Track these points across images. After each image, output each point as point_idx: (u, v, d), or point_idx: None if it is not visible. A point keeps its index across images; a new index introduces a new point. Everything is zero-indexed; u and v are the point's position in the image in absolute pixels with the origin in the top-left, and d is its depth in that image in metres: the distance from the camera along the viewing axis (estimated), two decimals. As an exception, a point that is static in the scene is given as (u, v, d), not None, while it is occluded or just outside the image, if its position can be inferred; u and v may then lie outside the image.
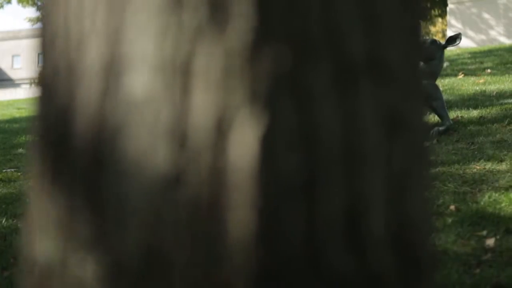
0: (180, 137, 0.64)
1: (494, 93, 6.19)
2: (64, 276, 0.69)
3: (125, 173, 0.65)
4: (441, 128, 4.68)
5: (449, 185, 3.31)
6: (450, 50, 12.70)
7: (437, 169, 3.61)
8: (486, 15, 14.97)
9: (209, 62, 0.63)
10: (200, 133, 0.64)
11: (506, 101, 5.77)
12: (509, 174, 3.41)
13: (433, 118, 5.17)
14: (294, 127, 0.63)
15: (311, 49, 0.63)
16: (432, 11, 22.09)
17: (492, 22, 14.94)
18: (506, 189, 3.14)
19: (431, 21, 23.73)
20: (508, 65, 8.49)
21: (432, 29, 28.91)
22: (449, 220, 2.76)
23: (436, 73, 5.03)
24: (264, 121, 0.62)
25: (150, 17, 0.65)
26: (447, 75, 8.21)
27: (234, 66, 0.63)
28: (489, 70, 8.07)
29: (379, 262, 0.64)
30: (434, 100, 4.88)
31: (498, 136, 4.41)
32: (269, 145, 0.62)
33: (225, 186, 0.63)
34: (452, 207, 2.91)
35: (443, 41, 5.09)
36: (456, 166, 3.70)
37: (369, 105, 0.65)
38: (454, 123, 4.95)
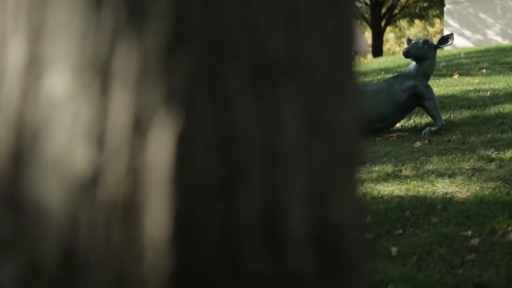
0: (98, 137, 0.64)
1: (488, 93, 6.19)
2: None
3: (44, 173, 0.66)
4: (433, 128, 4.68)
5: (437, 185, 3.32)
6: (446, 50, 12.70)
7: (425, 169, 3.62)
8: (483, 15, 14.97)
9: (127, 62, 0.63)
10: (118, 133, 0.64)
11: (499, 101, 5.77)
12: (497, 174, 3.41)
13: (426, 118, 5.17)
14: (212, 127, 0.63)
15: (230, 49, 0.63)
16: (430, 12, 22.09)
17: (489, 22, 14.95)
18: (493, 189, 3.14)
19: (429, 21, 23.72)
20: (504, 65, 8.49)
21: (431, 29, 28.90)
22: (435, 220, 2.76)
23: (428, 73, 5.03)
24: (180, 121, 0.62)
25: (71, 17, 0.65)
26: (442, 75, 8.21)
27: (152, 66, 0.63)
28: (484, 70, 8.07)
29: (298, 262, 0.64)
30: (426, 100, 4.88)
31: (489, 136, 4.41)
32: (185, 145, 0.62)
33: (142, 186, 0.63)
34: (439, 207, 2.91)
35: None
36: (446, 165, 3.70)
37: (290, 105, 0.65)
38: (446, 123, 4.95)
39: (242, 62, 0.63)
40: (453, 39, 5.12)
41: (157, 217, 0.62)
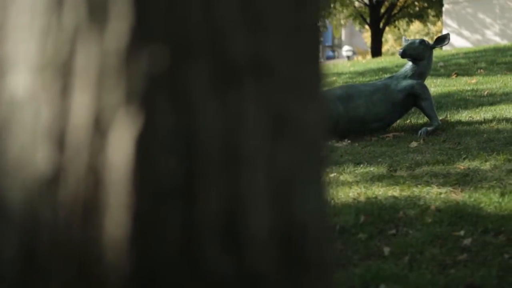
0: (59, 137, 0.64)
1: (485, 93, 6.19)
2: None
3: (6, 173, 0.66)
4: (429, 128, 4.68)
5: (432, 185, 3.32)
6: (445, 50, 12.69)
7: (420, 169, 3.62)
8: (481, 15, 14.97)
9: (88, 62, 0.64)
10: (78, 132, 0.64)
11: (495, 101, 5.77)
12: (491, 174, 3.41)
13: (423, 118, 5.17)
14: (172, 128, 0.63)
15: (191, 49, 0.63)
16: (429, 12, 22.08)
17: (488, 22, 14.94)
18: (488, 189, 3.14)
19: (428, 21, 23.72)
20: (501, 65, 8.49)
21: (433, 28, 28.89)
22: (429, 220, 2.76)
23: (425, 73, 5.03)
24: (140, 121, 0.62)
25: (32, 17, 0.65)
26: (440, 75, 8.21)
27: (112, 66, 0.63)
28: (481, 70, 8.07)
29: (261, 262, 0.64)
30: (422, 100, 4.88)
31: (485, 136, 4.41)
32: (145, 145, 0.62)
33: (102, 186, 0.63)
34: (433, 207, 2.91)
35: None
36: (441, 166, 3.70)
37: (252, 105, 0.65)
38: (442, 123, 4.95)
39: (204, 62, 0.63)
40: (449, 39, 5.12)
41: (116, 217, 0.62)
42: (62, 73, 0.64)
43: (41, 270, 0.64)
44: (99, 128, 0.63)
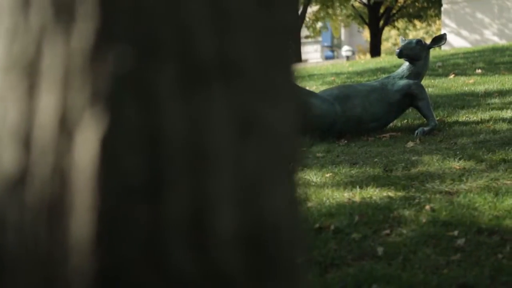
0: (25, 138, 0.64)
1: (482, 93, 6.19)
2: None
3: None
4: (426, 128, 4.68)
5: (427, 185, 3.32)
6: (444, 50, 12.69)
7: (416, 169, 3.62)
8: (480, 15, 14.97)
9: (54, 62, 0.64)
10: (45, 133, 0.64)
11: (492, 101, 5.77)
12: (486, 174, 3.42)
13: (420, 118, 5.18)
14: (138, 128, 0.63)
15: (158, 50, 0.63)
16: (428, 12, 22.09)
17: (486, 22, 14.95)
18: (482, 189, 3.14)
19: (427, 21, 23.73)
20: (499, 65, 8.49)
21: (435, 28, 28.89)
22: (423, 220, 2.77)
23: (421, 73, 5.03)
24: (105, 121, 0.62)
25: (0, 18, 0.66)
26: (438, 75, 8.21)
27: (78, 67, 0.63)
28: (479, 70, 8.07)
29: (227, 262, 0.64)
30: (419, 100, 4.89)
31: (481, 136, 4.42)
32: (111, 146, 0.62)
33: (68, 187, 0.63)
34: (428, 207, 2.91)
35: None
36: (436, 166, 3.70)
37: (220, 106, 0.65)
38: (439, 123, 4.95)
39: (171, 62, 0.63)
40: (445, 39, 5.12)
41: (82, 217, 0.62)
42: (29, 73, 0.64)
43: (6, 270, 0.64)
44: (65, 129, 0.63)
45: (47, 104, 0.64)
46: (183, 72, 0.64)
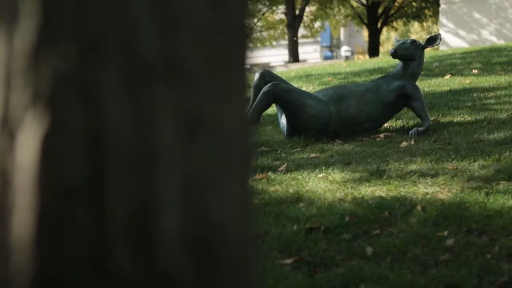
0: None
1: (478, 93, 6.20)
2: None
3: None
4: (420, 129, 4.68)
5: (419, 185, 3.32)
6: (441, 50, 12.69)
7: (409, 169, 3.62)
8: (477, 15, 14.98)
9: None
10: None
11: (487, 101, 5.77)
12: (479, 174, 3.42)
13: (414, 119, 5.18)
14: (81, 128, 0.63)
15: (101, 49, 0.63)
16: (426, 12, 22.09)
17: (484, 22, 14.95)
18: (474, 189, 3.14)
19: (426, 21, 23.73)
20: (495, 66, 8.50)
21: (435, 28, 28.90)
22: (414, 220, 2.77)
23: (416, 73, 5.03)
24: (48, 121, 0.62)
25: None
26: (434, 75, 8.21)
27: (20, 66, 0.63)
28: (475, 71, 8.08)
29: (172, 262, 0.64)
30: (414, 100, 4.89)
31: (475, 136, 4.42)
32: (53, 145, 0.62)
33: (10, 187, 0.63)
34: (419, 207, 2.91)
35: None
36: (429, 166, 3.70)
37: (166, 106, 0.65)
38: (434, 123, 4.96)
39: (114, 62, 0.64)
40: (440, 39, 5.12)
41: (23, 218, 0.62)
42: None
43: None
44: (7, 129, 0.64)
45: None
46: (127, 72, 0.64)
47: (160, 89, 0.65)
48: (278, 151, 4.48)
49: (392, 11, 21.93)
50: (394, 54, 4.93)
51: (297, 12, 20.78)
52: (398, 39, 5.17)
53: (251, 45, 0.70)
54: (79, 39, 0.63)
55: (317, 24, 23.26)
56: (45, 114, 0.62)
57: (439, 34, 5.15)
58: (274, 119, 5.56)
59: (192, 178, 0.66)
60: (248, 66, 0.71)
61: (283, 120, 4.91)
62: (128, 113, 0.64)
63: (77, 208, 0.63)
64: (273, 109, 5.32)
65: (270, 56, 32.25)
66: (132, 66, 0.64)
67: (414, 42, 5.01)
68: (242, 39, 0.70)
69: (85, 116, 0.63)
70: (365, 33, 28.88)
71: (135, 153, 0.64)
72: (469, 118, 5.08)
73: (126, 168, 0.64)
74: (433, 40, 5.07)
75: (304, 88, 7.29)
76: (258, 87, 4.88)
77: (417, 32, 31.06)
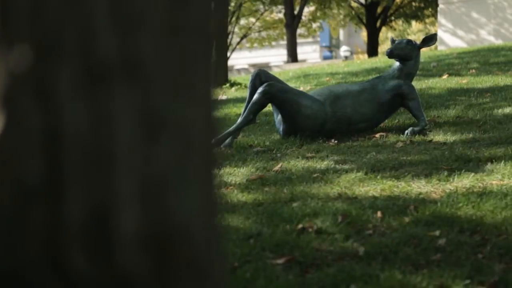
0: None
1: (475, 93, 6.20)
2: None
3: None
4: (416, 128, 4.68)
5: (413, 185, 3.32)
6: (439, 50, 12.70)
7: (403, 169, 3.62)
8: (475, 15, 14.98)
9: None
10: None
11: (484, 101, 5.77)
12: (473, 174, 3.42)
13: (410, 118, 5.18)
14: (37, 127, 0.63)
15: (58, 49, 0.63)
16: (425, 12, 22.09)
17: (482, 22, 14.95)
18: (467, 189, 3.14)
19: (424, 21, 23.74)
20: (493, 65, 8.50)
21: (432, 29, 28.91)
22: (406, 220, 2.77)
23: (412, 73, 5.03)
24: (3, 121, 0.62)
25: None
26: (432, 75, 8.22)
27: None
28: (473, 70, 8.08)
29: (130, 262, 0.64)
30: (410, 100, 4.89)
31: (470, 136, 4.42)
32: (8, 145, 0.62)
33: None
34: (411, 207, 2.91)
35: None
36: (424, 166, 3.70)
37: (124, 106, 0.65)
38: (430, 123, 4.96)
39: (71, 61, 0.63)
40: (436, 39, 5.12)
41: None
42: None
43: None
44: None
45: None
46: (84, 71, 0.64)
47: (118, 89, 0.65)
48: (274, 151, 4.48)
49: (391, 11, 21.94)
50: (390, 54, 4.93)
51: (296, 12, 20.78)
52: (394, 39, 5.17)
53: (215, 44, 0.70)
54: (36, 39, 0.63)
55: (316, 24, 23.25)
56: (1, 113, 0.62)
57: (435, 34, 5.16)
58: (270, 119, 5.56)
59: (152, 178, 0.66)
60: (213, 66, 0.71)
61: (279, 120, 4.91)
62: (84, 113, 0.64)
63: (33, 207, 0.63)
64: (269, 108, 5.32)
65: (269, 56, 32.26)
66: (89, 66, 0.64)
67: (410, 42, 5.01)
68: (205, 38, 0.70)
69: (41, 116, 0.63)
70: (364, 33, 28.90)
71: (93, 153, 0.64)
72: (465, 118, 5.08)
73: (83, 167, 0.64)
74: (429, 40, 5.07)
75: (301, 88, 7.29)
76: (254, 87, 4.89)
77: (415, 32, 31.06)
